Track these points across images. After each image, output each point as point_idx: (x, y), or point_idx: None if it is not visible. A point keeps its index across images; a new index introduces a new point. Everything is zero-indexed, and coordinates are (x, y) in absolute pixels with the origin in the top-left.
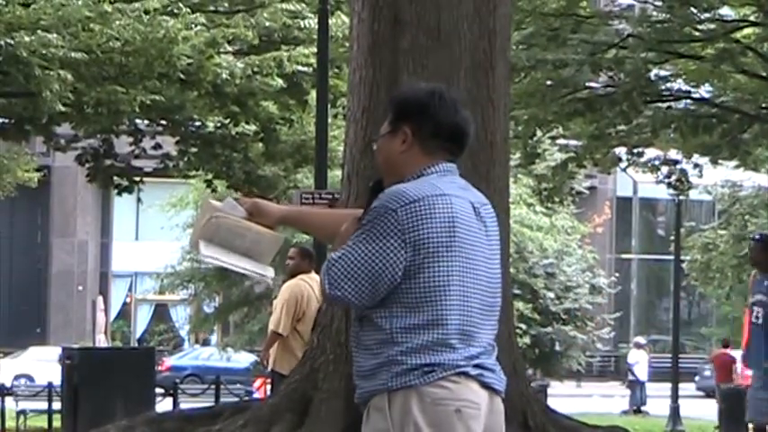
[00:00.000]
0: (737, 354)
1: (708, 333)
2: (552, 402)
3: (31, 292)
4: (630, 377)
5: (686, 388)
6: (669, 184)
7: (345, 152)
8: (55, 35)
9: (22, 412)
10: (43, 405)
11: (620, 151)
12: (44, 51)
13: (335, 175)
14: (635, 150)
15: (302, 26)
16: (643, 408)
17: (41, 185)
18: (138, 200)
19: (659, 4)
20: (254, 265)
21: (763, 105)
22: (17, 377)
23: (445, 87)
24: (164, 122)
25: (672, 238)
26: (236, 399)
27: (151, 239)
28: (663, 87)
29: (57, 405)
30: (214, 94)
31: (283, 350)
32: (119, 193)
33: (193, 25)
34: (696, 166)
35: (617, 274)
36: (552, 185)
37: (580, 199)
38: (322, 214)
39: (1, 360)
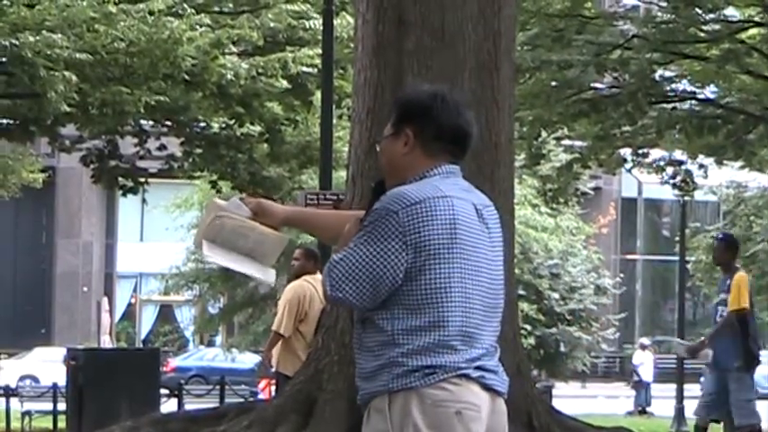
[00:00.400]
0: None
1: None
2: (557, 403)
3: (35, 293)
4: (635, 378)
5: (691, 389)
6: (674, 185)
7: (350, 153)
8: (60, 36)
9: (26, 413)
10: (48, 406)
11: (625, 152)
12: (49, 52)
13: (340, 175)
14: (640, 151)
15: (307, 27)
16: (648, 409)
17: (46, 186)
18: (143, 201)
19: (664, 4)
20: (256, 268)
21: None
22: (22, 378)
23: (448, 89)
24: (168, 123)
25: (677, 238)
26: (241, 399)
27: (156, 240)
28: (668, 88)
29: (62, 406)
30: (219, 94)
31: (286, 351)
32: (123, 194)
33: (198, 26)
34: (701, 166)
35: (622, 275)
36: (557, 186)
37: (585, 200)
38: (326, 215)
39: (6, 361)
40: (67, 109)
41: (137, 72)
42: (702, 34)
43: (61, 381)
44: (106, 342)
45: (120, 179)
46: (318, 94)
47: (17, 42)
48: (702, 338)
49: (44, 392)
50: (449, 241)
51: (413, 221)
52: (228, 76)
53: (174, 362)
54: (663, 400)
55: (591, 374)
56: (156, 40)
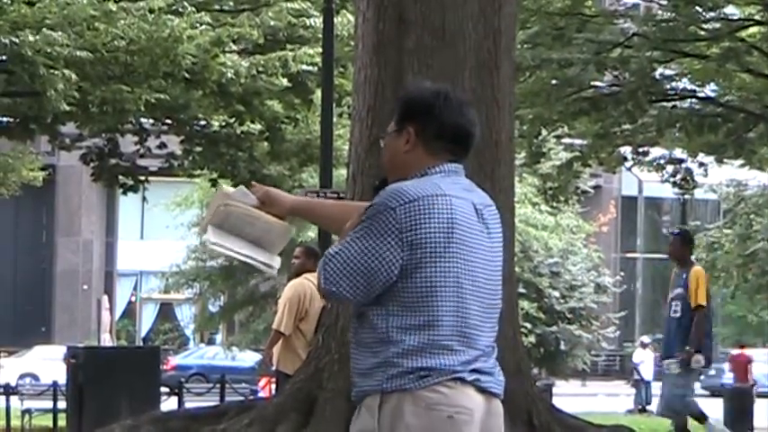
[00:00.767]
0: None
1: (713, 332)
2: (557, 401)
3: (36, 292)
4: (635, 376)
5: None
6: (674, 183)
7: (350, 151)
8: (60, 34)
9: (27, 411)
10: (48, 404)
11: (626, 150)
12: (49, 50)
13: (341, 173)
14: (640, 149)
15: (307, 25)
16: (648, 407)
17: (46, 184)
18: (144, 199)
19: (664, 3)
20: (260, 253)
21: None
22: (22, 376)
23: (451, 88)
24: (169, 121)
25: None
26: (241, 398)
27: (156, 238)
28: (668, 86)
29: (62, 404)
30: (219, 93)
31: (286, 349)
32: (124, 192)
33: (198, 24)
34: (701, 165)
35: (622, 273)
36: (557, 184)
37: (585, 198)
38: (333, 206)
39: (6, 359)
40: (67, 107)
41: (137, 70)
42: (702, 33)
43: (61, 379)
44: (106, 340)
45: (120, 177)
46: (319, 93)
47: (17, 40)
48: (687, 348)
49: (44, 391)
50: (445, 240)
51: (410, 219)
52: (229, 75)
53: (175, 360)
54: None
55: (591, 373)
56: (157, 38)
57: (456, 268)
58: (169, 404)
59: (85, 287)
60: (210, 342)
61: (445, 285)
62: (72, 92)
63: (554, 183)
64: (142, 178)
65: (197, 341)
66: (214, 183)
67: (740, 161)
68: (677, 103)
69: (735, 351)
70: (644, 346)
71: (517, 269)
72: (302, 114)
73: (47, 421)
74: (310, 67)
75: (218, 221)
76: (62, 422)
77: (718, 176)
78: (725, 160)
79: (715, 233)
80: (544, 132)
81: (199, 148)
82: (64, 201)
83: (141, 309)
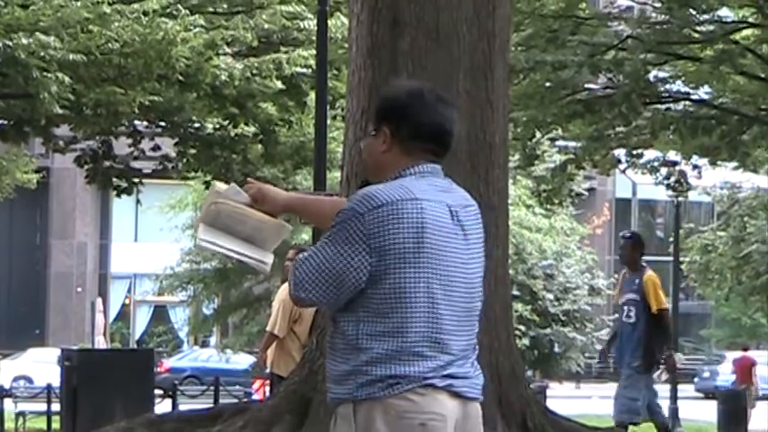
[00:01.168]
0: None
1: (707, 335)
2: (551, 404)
3: (29, 294)
4: None
5: (685, 389)
6: (668, 186)
7: (344, 153)
8: (53, 37)
9: (21, 414)
10: (42, 406)
11: (620, 153)
12: (42, 53)
13: (334, 176)
14: (634, 152)
15: (301, 28)
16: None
17: (40, 187)
18: (137, 201)
19: (658, 5)
20: (253, 250)
21: (763, 107)
22: (16, 378)
23: (429, 86)
24: (163, 124)
25: (671, 239)
26: (236, 400)
27: (150, 241)
28: (662, 89)
29: (56, 407)
30: (213, 95)
31: (280, 352)
32: (118, 195)
33: (192, 27)
34: (695, 167)
35: (616, 276)
36: (551, 187)
37: (579, 200)
38: (326, 203)
39: (0, 361)
40: (61, 110)
41: (131, 73)
42: (696, 35)
43: (55, 381)
44: (100, 343)
45: (114, 180)
46: (312, 95)
47: (11, 43)
48: (668, 353)
49: (38, 393)
50: (414, 246)
51: (377, 225)
52: (223, 77)
53: (169, 362)
54: (657, 400)
55: (585, 375)
56: (151, 40)
57: (426, 273)
58: (163, 407)
59: (79, 289)
60: (204, 344)
61: (415, 291)
62: (66, 94)
63: (548, 185)
64: (136, 180)
65: (191, 343)
66: (208, 185)
67: (734, 163)
68: (671, 105)
69: (737, 354)
70: None
71: (511, 271)
72: (296, 117)
73: (41, 424)
74: (304, 70)
75: (210, 220)
76: (56, 425)
77: (712, 179)
78: (719, 162)
79: (709, 235)
80: (538, 135)
81: (193, 151)
82: (58, 203)
83: (135, 311)
